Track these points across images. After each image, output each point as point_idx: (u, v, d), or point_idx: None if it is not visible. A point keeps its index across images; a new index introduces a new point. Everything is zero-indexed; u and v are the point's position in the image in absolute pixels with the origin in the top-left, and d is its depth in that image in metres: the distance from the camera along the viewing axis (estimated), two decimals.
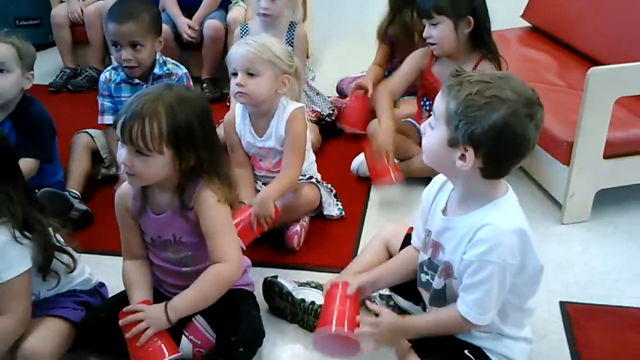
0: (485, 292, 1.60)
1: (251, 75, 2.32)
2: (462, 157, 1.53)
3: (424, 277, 1.79)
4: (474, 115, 1.48)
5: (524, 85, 1.54)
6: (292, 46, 3.09)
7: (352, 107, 3.13)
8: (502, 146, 1.51)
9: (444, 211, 1.71)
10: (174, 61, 2.85)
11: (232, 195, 1.83)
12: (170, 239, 1.85)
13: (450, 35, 2.58)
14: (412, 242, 1.90)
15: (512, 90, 1.50)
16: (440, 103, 1.55)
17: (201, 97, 1.81)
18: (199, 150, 1.73)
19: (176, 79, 2.76)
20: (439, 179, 1.77)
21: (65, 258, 1.90)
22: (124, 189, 1.87)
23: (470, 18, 2.56)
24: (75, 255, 1.94)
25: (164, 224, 1.84)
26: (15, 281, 1.75)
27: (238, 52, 2.33)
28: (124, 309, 1.79)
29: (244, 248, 2.16)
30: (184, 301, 1.79)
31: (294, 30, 3.13)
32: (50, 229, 1.84)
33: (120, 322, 1.76)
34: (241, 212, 2.24)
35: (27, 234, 1.75)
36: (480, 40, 2.62)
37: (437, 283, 1.72)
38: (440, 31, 2.58)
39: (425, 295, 1.81)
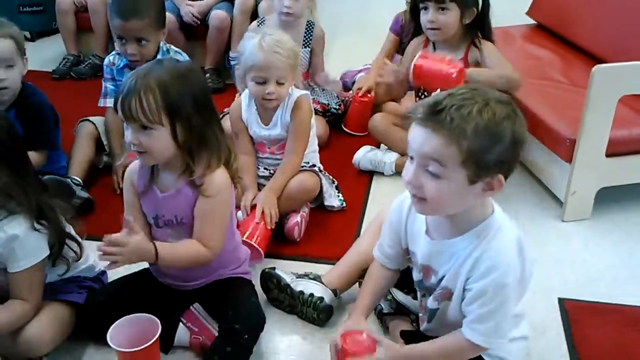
0: (502, 316, 1.55)
1: (281, 83, 2.36)
2: (488, 185, 1.47)
3: (419, 297, 1.78)
4: (495, 142, 1.41)
5: (497, 92, 1.51)
6: (308, 47, 3.09)
7: (354, 113, 3.19)
8: (517, 157, 1.49)
9: (427, 232, 1.64)
10: (177, 49, 2.85)
11: (231, 170, 1.84)
12: (172, 219, 1.85)
13: (456, 22, 2.64)
14: (375, 257, 1.83)
15: (501, 102, 1.45)
16: (445, 148, 1.41)
17: (193, 69, 1.82)
18: (193, 119, 1.72)
19: None
20: (407, 197, 1.66)
21: (73, 245, 1.91)
22: (133, 167, 1.88)
23: (475, 9, 2.64)
24: (82, 242, 1.95)
25: (167, 203, 1.83)
26: (33, 269, 1.79)
27: (269, 61, 2.31)
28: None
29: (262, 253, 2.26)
30: (169, 253, 1.79)
31: (312, 30, 3.12)
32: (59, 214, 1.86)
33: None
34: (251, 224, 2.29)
35: (43, 222, 1.78)
36: (475, 30, 2.68)
37: (431, 304, 1.69)
38: (447, 17, 2.62)
39: (422, 314, 1.79)
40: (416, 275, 1.73)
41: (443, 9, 2.61)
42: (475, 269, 1.53)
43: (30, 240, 1.76)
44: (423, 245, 1.65)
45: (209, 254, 1.82)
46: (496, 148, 1.42)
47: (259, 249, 2.23)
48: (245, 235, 2.21)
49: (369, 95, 3.16)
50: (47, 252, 1.81)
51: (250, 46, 2.34)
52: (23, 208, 1.75)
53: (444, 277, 1.62)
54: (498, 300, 1.53)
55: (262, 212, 2.30)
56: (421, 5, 2.68)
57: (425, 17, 2.66)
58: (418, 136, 1.46)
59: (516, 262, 1.53)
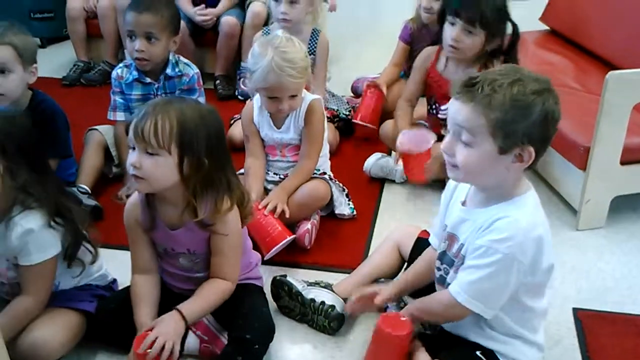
0: (482, 277, 1.58)
1: (294, 95, 2.37)
2: (519, 157, 1.53)
3: (437, 273, 1.78)
4: (524, 114, 1.48)
5: (534, 73, 1.56)
6: (313, 54, 3.07)
7: (366, 103, 3.15)
8: (550, 133, 1.54)
9: (463, 203, 1.69)
10: (186, 60, 2.83)
11: (243, 211, 1.85)
12: (184, 251, 1.87)
13: (478, 47, 2.56)
14: (431, 242, 1.88)
15: (537, 80, 1.52)
16: (474, 118, 1.50)
17: (214, 112, 1.82)
18: (203, 158, 1.71)
19: (187, 80, 2.77)
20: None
21: (89, 247, 1.93)
22: (134, 201, 1.86)
23: (500, 40, 2.58)
24: (97, 247, 1.97)
25: (179, 239, 1.85)
26: (44, 264, 1.81)
27: (281, 84, 2.30)
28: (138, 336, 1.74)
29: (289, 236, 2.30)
30: (197, 310, 1.82)
31: (317, 38, 3.11)
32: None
33: (139, 349, 1.70)
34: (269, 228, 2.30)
35: (59, 220, 1.81)
36: (497, 55, 2.61)
37: (452, 277, 1.70)
38: (472, 41, 2.54)
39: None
40: (441, 247, 1.76)
41: (470, 32, 2.52)
42: (486, 229, 1.57)
43: (44, 235, 1.79)
44: (456, 213, 1.70)
45: (231, 286, 1.87)
46: (524, 120, 1.48)
47: (291, 236, 2.31)
48: (273, 235, 2.28)
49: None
50: (59, 250, 1.83)
51: (262, 67, 2.30)
52: (41, 204, 1.79)
53: (463, 245, 1.65)
54: (486, 262, 1.56)
55: (272, 209, 2.32)
56: (449, 18, 2.57)
57: (450, 33, 2.56)
58: (452, 108, 1.55)
59: (526, 244, 1.56)
